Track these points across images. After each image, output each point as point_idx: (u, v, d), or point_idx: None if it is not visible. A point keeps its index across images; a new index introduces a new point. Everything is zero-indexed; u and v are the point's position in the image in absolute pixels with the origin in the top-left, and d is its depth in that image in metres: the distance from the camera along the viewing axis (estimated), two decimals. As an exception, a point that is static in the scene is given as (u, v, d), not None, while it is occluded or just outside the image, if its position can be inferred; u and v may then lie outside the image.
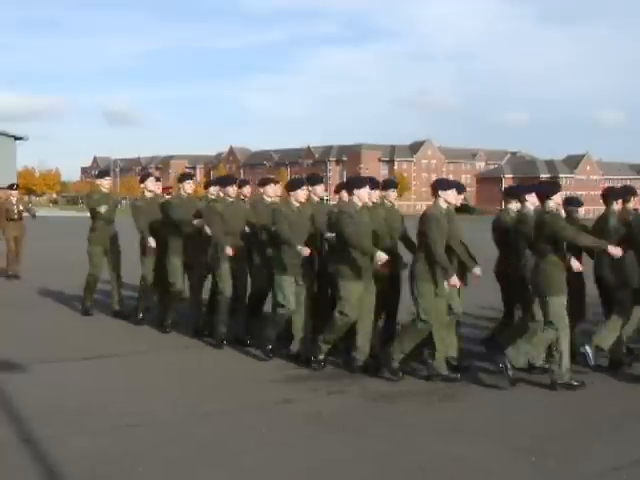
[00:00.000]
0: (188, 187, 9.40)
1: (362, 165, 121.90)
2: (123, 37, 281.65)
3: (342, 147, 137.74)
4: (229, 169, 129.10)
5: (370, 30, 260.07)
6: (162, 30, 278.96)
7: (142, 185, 10.06)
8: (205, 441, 5.30)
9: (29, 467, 4.73)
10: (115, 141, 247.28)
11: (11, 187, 15.37)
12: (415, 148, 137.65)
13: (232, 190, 8.44)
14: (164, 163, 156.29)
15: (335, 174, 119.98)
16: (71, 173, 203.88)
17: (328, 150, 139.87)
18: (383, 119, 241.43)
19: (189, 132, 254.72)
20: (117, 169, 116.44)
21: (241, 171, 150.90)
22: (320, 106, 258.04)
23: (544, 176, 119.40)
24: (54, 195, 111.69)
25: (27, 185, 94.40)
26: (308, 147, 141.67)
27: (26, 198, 16.85)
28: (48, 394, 6.47)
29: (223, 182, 8.71)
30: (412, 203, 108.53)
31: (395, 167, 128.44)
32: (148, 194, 9.86)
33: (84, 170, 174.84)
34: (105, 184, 10.33)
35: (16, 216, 14.90)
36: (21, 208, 15.03)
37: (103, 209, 10.01)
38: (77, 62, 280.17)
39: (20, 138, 58.09)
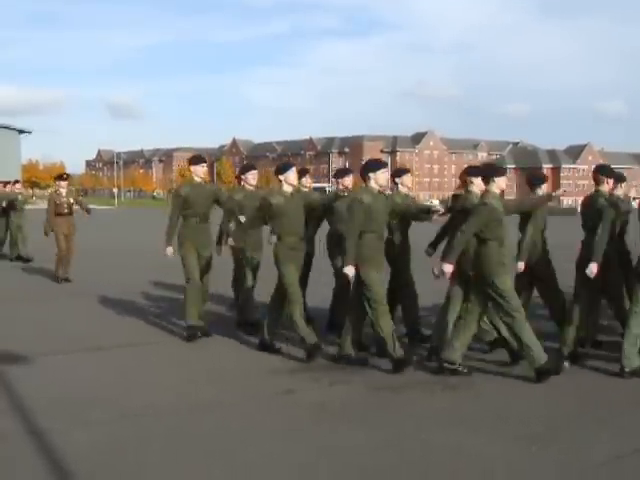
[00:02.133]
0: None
1: (364, 156, 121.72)
2: (124, 30, 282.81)
3: (344, 139, 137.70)
4: (232, 161, 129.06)
5: (371, 22, 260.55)
6: (163, 23, 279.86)
7: (246, 176, 8.66)
8: (208, 432, 5.32)
9: (33, 459, 4.75)
10: (118, 134, 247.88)
11: (60, 177, 13.63)
12: (417, 139, 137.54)
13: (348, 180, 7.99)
14: (167, 156, 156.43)
15: (338, 166, 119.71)
16: (75, 166, 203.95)
17: (330, 142, 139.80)
18: (385, 111, 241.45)
19: (192, 125, 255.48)
20: (120, 162, 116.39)
21: (244, 163, 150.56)
22: (322, 98, 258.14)
23: (546, 166, 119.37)
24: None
25: (31, 178, 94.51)
26: (310, 139, 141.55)
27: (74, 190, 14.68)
28: (52, 386, 6.50)
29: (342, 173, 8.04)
30: (414, 194, 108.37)
31: (397, 158, 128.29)
32: (288, 188, 7.46)
33: (88, 163, 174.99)
34: (199, 172, 8.50)
35: (66, 210, 13.15)
36: (71, 201, 13.30)
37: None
38: (78, 55, 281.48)
39: (24, 132, 58.12)
